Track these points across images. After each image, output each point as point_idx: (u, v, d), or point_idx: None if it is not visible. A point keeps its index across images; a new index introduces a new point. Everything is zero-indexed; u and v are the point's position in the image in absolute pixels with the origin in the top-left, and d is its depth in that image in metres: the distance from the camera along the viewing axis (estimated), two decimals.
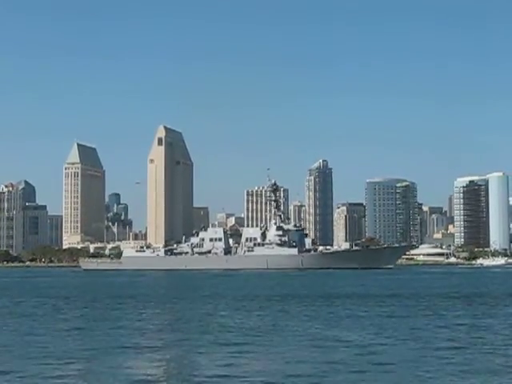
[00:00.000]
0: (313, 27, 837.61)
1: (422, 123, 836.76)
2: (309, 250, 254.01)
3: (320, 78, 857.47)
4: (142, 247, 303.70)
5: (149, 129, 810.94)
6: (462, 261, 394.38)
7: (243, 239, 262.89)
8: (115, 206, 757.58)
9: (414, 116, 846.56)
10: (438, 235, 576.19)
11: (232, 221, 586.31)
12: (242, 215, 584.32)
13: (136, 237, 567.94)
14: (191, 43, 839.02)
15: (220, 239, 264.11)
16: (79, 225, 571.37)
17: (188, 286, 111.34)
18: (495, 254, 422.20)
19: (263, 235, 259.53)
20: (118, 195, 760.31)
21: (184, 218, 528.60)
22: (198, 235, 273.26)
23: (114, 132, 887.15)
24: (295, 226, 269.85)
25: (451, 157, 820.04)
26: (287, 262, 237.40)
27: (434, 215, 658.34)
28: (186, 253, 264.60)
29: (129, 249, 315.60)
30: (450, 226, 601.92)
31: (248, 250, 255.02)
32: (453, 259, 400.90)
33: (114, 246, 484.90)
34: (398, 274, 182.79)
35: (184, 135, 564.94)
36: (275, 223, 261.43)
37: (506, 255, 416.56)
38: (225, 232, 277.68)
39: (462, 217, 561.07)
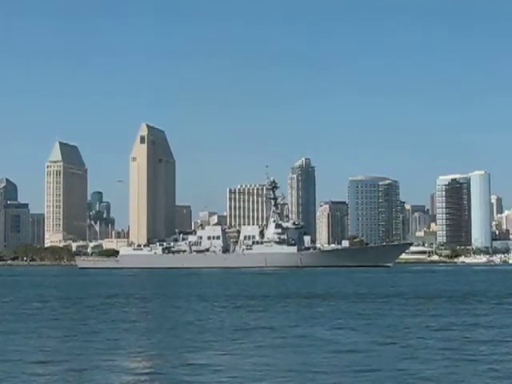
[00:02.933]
0: (300, 27, 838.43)
1: (404, 122, 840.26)
2: (308, 248, 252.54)
3: (304, 78, 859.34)
4: (139, 245, 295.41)
5: (131, 127, 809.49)
6: (444, 259, 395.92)
7: (241, 237, 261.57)
8: (97, 204, 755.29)
9: (397, 115, 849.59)
10: (420, 233, 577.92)
11: (215, 219, 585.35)
12: (225, 213, 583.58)
13: (118, 235, 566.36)
14: (174, 42, 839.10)
15: (218, 237, 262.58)
16: (61, 223, 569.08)
17: (181, 285, 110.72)
18: (477, 252, 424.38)
19: (261, 233, 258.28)
20: (100, 193, 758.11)
21: (166, 217, 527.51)
22: (195, 233, 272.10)
23: (97, 130, 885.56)
24: (294, 223, 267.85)
25: (433, 155, 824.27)
26: (286, 260, 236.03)
27: (416, 213, 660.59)
28: (184, 251, 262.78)
29: (125, 247, 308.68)
30: (433, 224, 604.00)
31: (246, 248, 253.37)
32: (435, 257, 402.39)
33: (96, 244, 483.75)
34: (397, 271, 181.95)
35: (166, 133, 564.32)
36: (274, 221, 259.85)
37: (487, 253, 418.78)
38: (223, 230, 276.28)
39: (444, 215, 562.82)
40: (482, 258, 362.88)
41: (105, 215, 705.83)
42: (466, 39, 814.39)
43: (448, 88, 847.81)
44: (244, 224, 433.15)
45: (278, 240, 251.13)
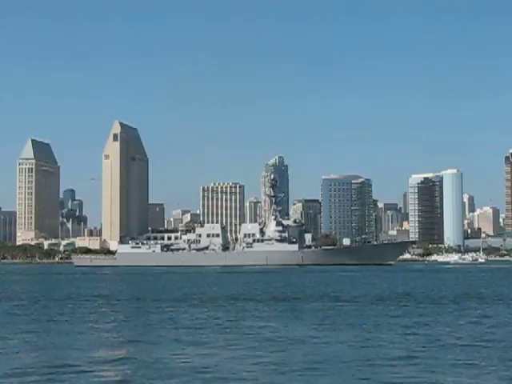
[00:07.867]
0: (274, 23, 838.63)
1: (376, 120, 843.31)
2: (309, 246, 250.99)
3: (278, 76, 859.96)
4: (137, 243, 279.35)
5: (104, 124, 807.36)
6: (416, 257, 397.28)
7: (241, 235, 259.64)
8: (70, 202, 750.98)
9: (369, 113, 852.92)
10: (392, 231, 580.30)
11: (188, 217, 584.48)
12: (198, 211, 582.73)
13: (91, 233, 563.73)
14: (148, 40, 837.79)
15: (217, 235, 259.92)
16: (33, 221, 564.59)
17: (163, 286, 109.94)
18: (449, 250, 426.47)
19: (262, 231, 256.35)
20: (72, 191, 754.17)
21: (139, 215, 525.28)
22: (193, 232, 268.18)
23: (69, 128, 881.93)
24: (295, 221, 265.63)
25: (406, 154, 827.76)
26: (287, 258, 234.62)
27: (388, 212, 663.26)
28: (183, 249, 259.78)
29: (124, 244, 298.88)
30: (405, 223, 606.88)
31: (247, 246, 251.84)
32: (407, 256, 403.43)
33: (68, 242, 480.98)
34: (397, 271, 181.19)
35: (139, 131, 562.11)
36: (274, 219, 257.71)
37: (459, 251, 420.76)
38: (222, 228, 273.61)
39: (416, 213, 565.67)
40: (454, 257, 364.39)
41: (77, 213, 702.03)
42: (444, 37, 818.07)
43: (421, 86, 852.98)
44: (217, 222, 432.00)
45: (278, 238, 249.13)
